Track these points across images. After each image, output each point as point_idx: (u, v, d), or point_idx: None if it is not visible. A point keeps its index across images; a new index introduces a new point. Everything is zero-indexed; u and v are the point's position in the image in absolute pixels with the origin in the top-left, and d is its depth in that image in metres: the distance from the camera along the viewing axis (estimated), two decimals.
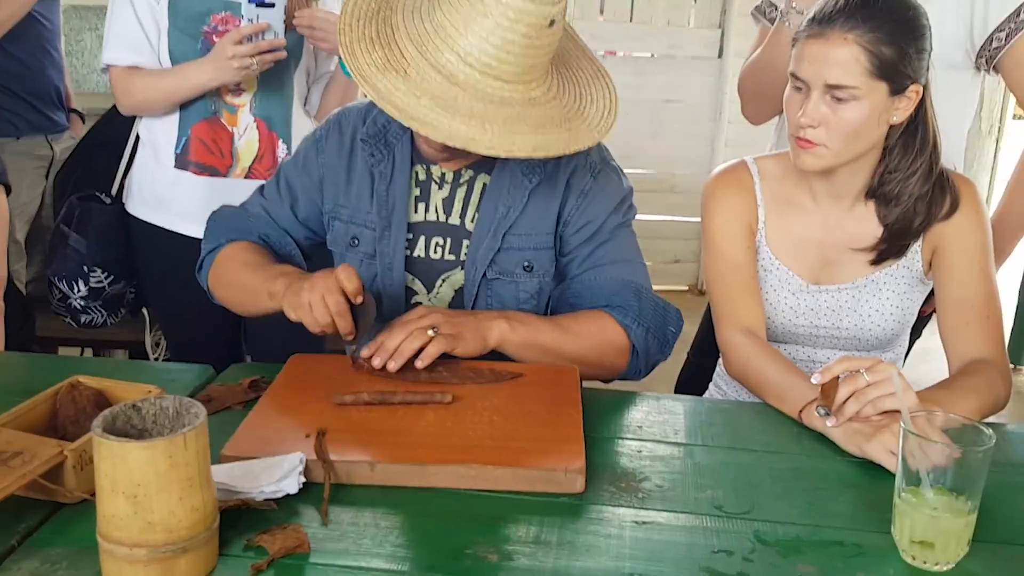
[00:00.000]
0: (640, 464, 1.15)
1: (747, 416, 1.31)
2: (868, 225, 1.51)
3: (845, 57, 1.34)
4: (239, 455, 1.07)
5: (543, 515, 1.02)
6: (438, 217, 1.47)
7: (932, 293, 1.56)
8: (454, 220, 1.47)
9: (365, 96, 1.39)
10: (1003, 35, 1.75)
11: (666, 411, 1.30)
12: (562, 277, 1.49)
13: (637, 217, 1.52)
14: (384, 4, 1.28)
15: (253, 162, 1.93)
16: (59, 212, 2.08)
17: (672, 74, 4.52)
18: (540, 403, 1.22)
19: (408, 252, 1.47)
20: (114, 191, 2.04)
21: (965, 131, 1.95)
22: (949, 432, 0.99)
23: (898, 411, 1.17)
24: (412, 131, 1.40)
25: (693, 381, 1.93)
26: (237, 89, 1.90)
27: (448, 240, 1.47)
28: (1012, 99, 4.53)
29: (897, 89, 1.38)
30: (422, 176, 1.47)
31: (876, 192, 1.48)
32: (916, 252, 1.51)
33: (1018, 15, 1.74)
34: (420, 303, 1.48)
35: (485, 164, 1.44)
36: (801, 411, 1.27)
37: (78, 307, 2.05)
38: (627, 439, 1.22)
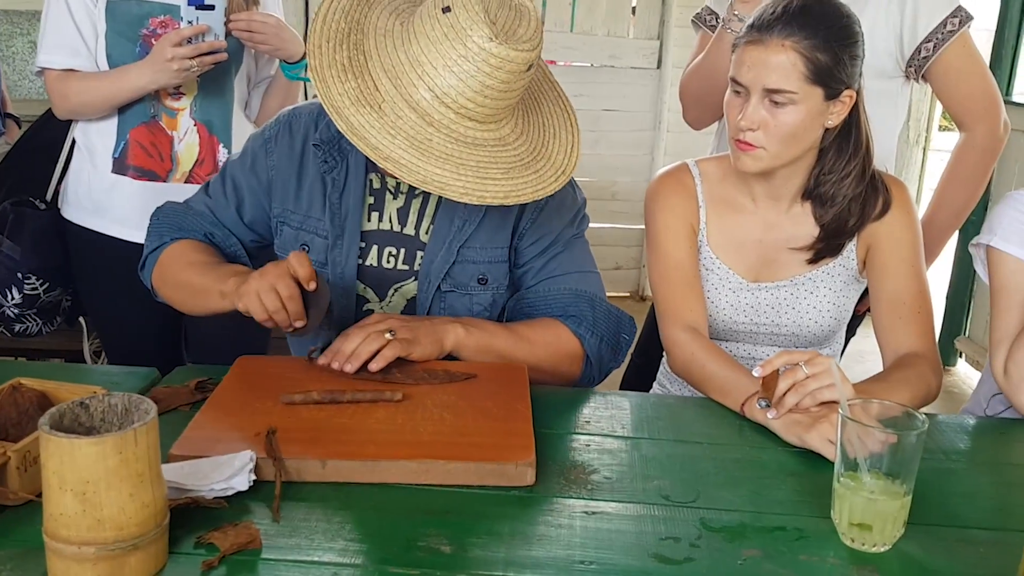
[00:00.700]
0: (589, 457, 1.17)
1: (691, 410, 1.34)
2: (805, 225, 1.55)
3: (783, 62, 1.39)
4: (188, 454, 1.06)
5: (495, 507, 1.03)
6: (392, 227, 1.46)
7: (867, 292, 1.61)
8: (409, 231, 1.46)
9: (311, 98, 1.39)
10: (931, 45, 1.83)
11: (613, 407, 1.33)
12: (516, 288, 1.50)
13: None
14: (355, 26, 1.26)
15: (193, 166, 1.91)
16: None
17: (612, 84, 4.58)
18: (490, 400, 1.23)
19: (360, 261, 1.46)
20: (49, 196, 2.00)
21: (896, 136, 2.02)
22: (884, 419, 1.03)
23: (836, 402, 1.21)
24: None
25: (637, 381, 1.96)
26: (177, 92, 1.88)
27: (402, 251, 1.47)
28: (939, 110, 4.70)
29: (832, 94, 1.42)
30: (376, 184, 1.47)
31: (812, 193, 1.53)
32: (851, 251, 1.56)
33: (944, 26, 1.81)
34: (372, 311, 1.48)
35: None
36: (743, 404, 1.30)
37: (11, 315, 2.00)
38: (576, 434, 1.23)
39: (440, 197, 1.45)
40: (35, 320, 2.01)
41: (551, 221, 1.47)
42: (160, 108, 1.88)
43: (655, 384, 1.83)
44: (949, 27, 1.81)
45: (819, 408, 1.22)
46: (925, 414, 1.33)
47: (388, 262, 1.47)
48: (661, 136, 4.63)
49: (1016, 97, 3.84)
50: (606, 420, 1.28)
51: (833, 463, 1.11)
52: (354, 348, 1.28)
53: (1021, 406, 1.38)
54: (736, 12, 1.82)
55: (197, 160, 1.91)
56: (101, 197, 1.91)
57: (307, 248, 1.47)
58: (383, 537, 0.97)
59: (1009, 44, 3.70)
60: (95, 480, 0.83)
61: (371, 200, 1.47)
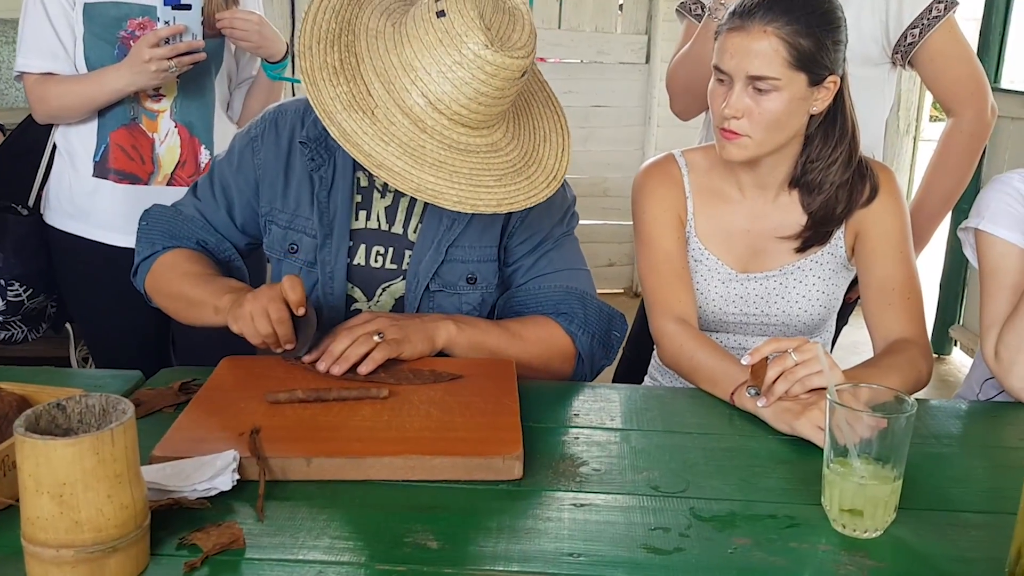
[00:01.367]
0: (577, 450, 1.15)
1: (680, 401, 1.33)
2: (792, 214, 1.54)
3: (765, 49, 1.37)
4: (170, 455, 1.04)
5: (482, 502, 1.02)
6: (380, 226, 1.45)
7: (856, 280, 1.60)
8: (396, 229, 1.45)
9: (294, 95, 1.37)
10: (916, 31, 1.82)
11: (602, 399, 1.31)
12: (506, 286, 1.49)
13: None
14: (346, 27, 1.25)
15: (175, 168, 1.90)
16: None
17: (600, 80, 4.57)
18: (477, 395, 1.22)
19: (348, 260, 1.45)
20: (31, 202, 1.98)
21: (883, 123, 2.02)
22: (873, 404, 1.02)
23: (825, 388, 1.20)
24: None
25: (629, 375, 1.95)
26: (156, 94, 1.86)
27: (390, 250, 1.45)
28: (928, 100, 4.70)
29: (816, 80, 1.41)
30: (364, 183, 1.45)
31: (799, 181, 1.52)
32: (839, 238, 1.55)
33: (930, 12, 1.81)
34: (360, 310, 1.46)
35: None
36: (733, 393, 1.29)
37: None
38: (565, 427, 1.22)
39: None
40: (20, 327, 1.99)
41: (541, 219, 1.46)
42: (140, 110, 1.86)
43: (646, 377, 1.81)
44: (935, 12, 1.81)
45: (808, 395, 1.21)
46: (915, 399, 1.33)
47: (376, 261, 1.46)
48: (651, 131, 4.62)
49: (1003, 84, 3.84)
50: (595, 412, 1.27)
51: (823, 450, 1.10)
52: (343, 350, 1.27)
53: (1013, 389, 1.37)
54: (723, 1, 1.81)
55: (179, 162, 1.89)
56: (83, 201, 1.89)
57: (295, 248, 1.45)
58: (369, 534, 0.95)
59: (996, 31, 3.70)
60: (72, 482, 0.81)
61: (359, 198, 1.45)
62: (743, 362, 1.23)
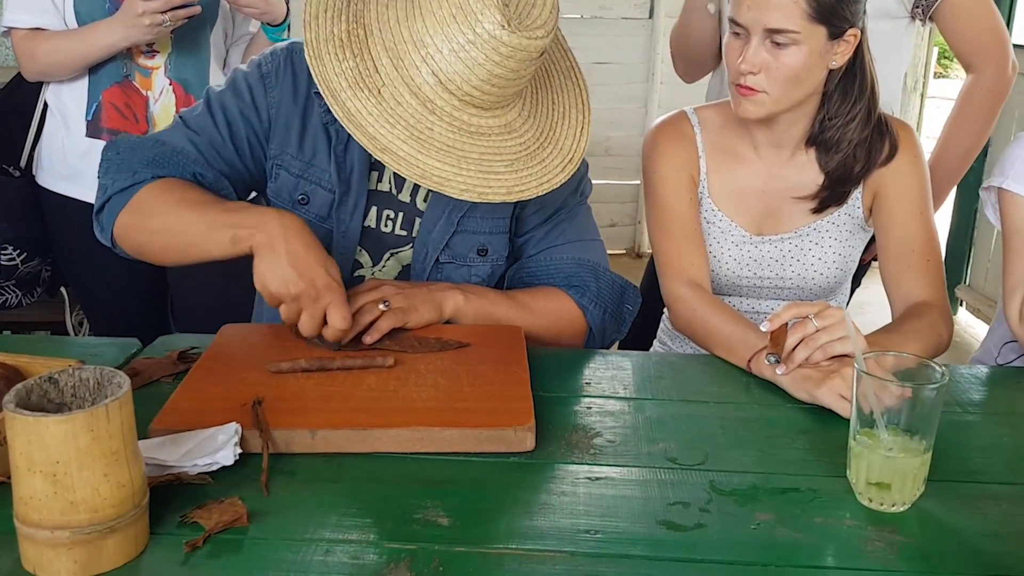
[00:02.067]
0: (590, 420, 1.12)
1: (696, 368, 1.29)
2: (809, 173, 1.49)
3: (784, 1, 1.31)
4: (170, 428, 1.00)
5: (494, 475, 0.98)
6: (391, 189, 1.38)
7: (872, 241, 1.56)
8: (404, 197, 1.38)
9: None
10: None
11: (614, 367, 1.27)
12: (516, 258, 1.44)
13: None
14: None
15: None
16: None
17: (602, 36, 4.47)
18: (485, 363, 1.18)
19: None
20: (23, 163, 1.93)
21: (901, 79, 1.97)
22: (901, 372, 0.98)
23: (847, 356, 1.16)
24: None
25: (636, 339, 1.91)
26: (150, 50, 1.80)
27: (400, 215, 1.39)
28: (934, 56, 4.61)
29: (836, 33, 1.36)
30: None
31: (816, 139, 1.47)
32: (857, 198, 1.50)
33: None
34: (364, 276, 1.41)
35: None
36: (750, 360, 1.25)
37: None
38: (576, 396, 1.18)
39: None
40: (14, 292, 1.95)
41: (556, 188, 1.40)
42: (133, 67, 1.80)
43: (655, 342, 1.78)
44: None
45: (830, 362, 1.17)
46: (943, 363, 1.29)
47: (386, 225, 1.40)
48: (654, 88, 4.54)
49: (1015, 39, 3.75)
50: (607, 381, 1.23)
51: (846, 419, 1.06)
52: None
53: None
54: None
55: None
56: (76, 162, 1.84)
57: (306, 199, 1.35)
58: (377, 510, 0.92)
59: None
60: (66, 460, 0.77)
61: (372, 159, 1.39)
62: (762, 328, 1.19)
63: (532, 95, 1.26)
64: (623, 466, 1.01)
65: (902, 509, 0.94)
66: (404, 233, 1.40)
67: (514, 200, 1.18)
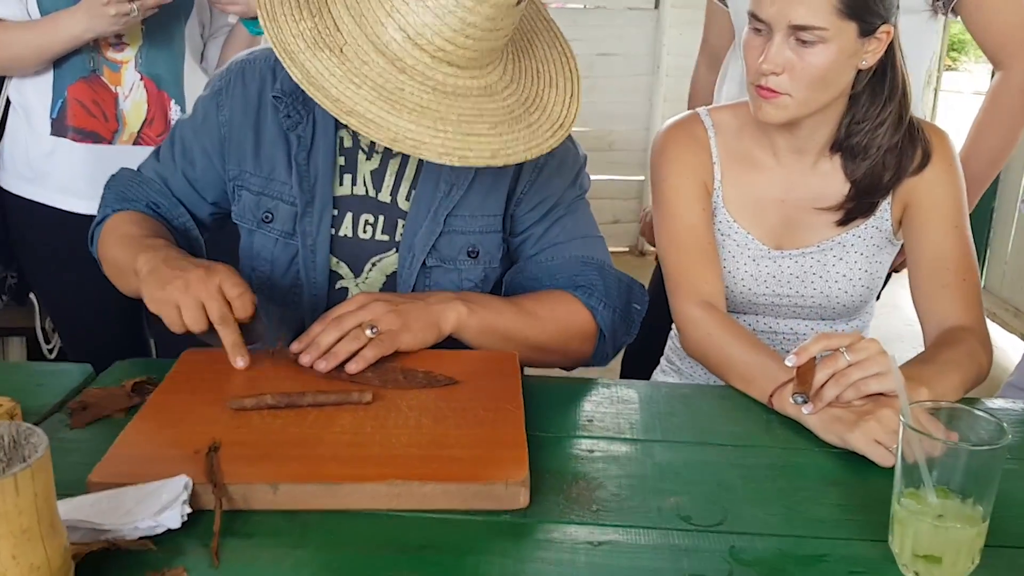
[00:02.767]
0: (592, 467, 0.99)
1: (710, 403, 1.16)
2: (834, 182, 1.36)
3: None
4: (111, 481, 0.88)
5: (481, 539, 0.86)
6: (367, 191, 1.27)
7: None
8: (384, 197, 1.27)
9: None
10: None
11: (619, 400, 1.14)
12: (512, 260, 1.32)
13: None
14: None
15: (142, 126, 1.71)
16: None
17: (607, 26, 4.34)
18: (475, 398, 1.05)
19: (333, 231, 1.27)
20: None
21: (923, 77, 1.84)
22: (954, 423, 0.85)
23: (883, 395, 1.04)
24: None
25: (640, 354, 1.78)
26: (119, 43, 1.66)
27: (380, 218, 1.28)
28: (946, 49, 4.47)
29: (867, 30, 1.23)
30: (347, 143, 1.27)
31: (842, 145, 1.34)
32: (885, 210, 1.37)
33: None
34: (347, 289, 1.29)
35: None
36: (772, 395, 1.12)
37: None
38: (576, 436, 1.06)
39: (420, 160, 1.26)
40: None
41: (552, 182, 1.28)
42: (101, 61, 1.67)
43: (662, 359, 1.65)
44: None
45: (863, 401, 1.04)
46: (1000, 407, 1.16)
47: (365, 231, 1.28)
48: (660, 81, 4.41)
49: None
50: (611, 418, 1.10)
51: (881, 467, 0.94)
52: (331, 343, 1.10)
53: None
54: None
55: (146, 120, 1.70)
56: (40, 163, 1.71)
57: (270, 217, 1.28)
58: None
59: None
60: None
61: (342, 161, 1.27)
62: (787, 363, 1.06)
63: (514, 62, 1.14)
64: (630, 527, 0.88)
65: None
66: (386, 238, 1.28)
67: (500, 164, 1.06)
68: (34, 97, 1.69)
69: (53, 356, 2.08)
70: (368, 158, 1.28)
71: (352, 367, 1.09)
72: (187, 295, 1.06)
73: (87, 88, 1.67)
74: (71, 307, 1.83)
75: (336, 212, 1.27)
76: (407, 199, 1.27)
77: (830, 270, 1.39)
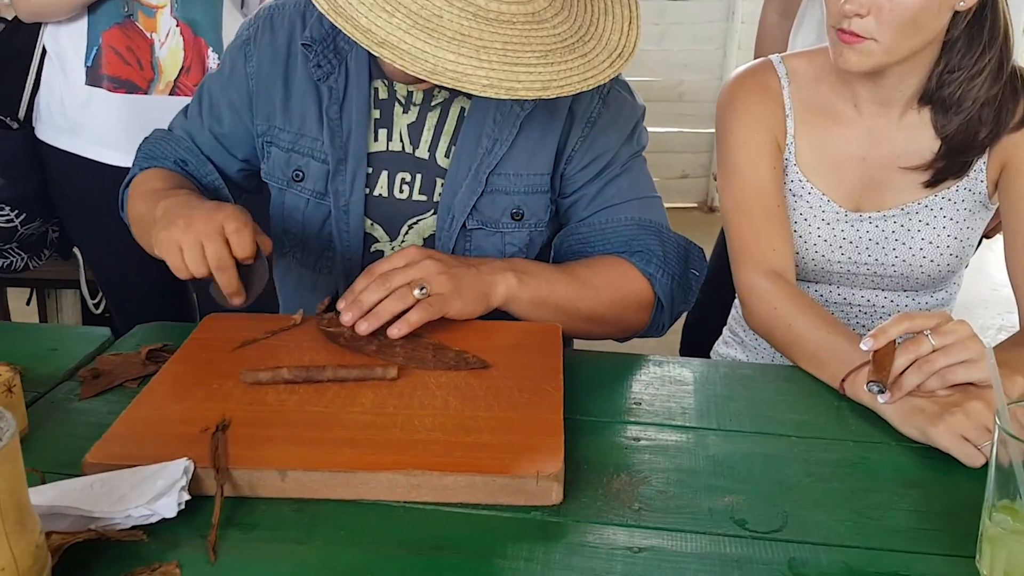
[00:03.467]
0: (638, 458, 0.89)
1: (774, 385, 1.04)
2: (922, 138, 1.22)
3: None
4: (108, 463, 0.81)
5: (507, 541, 0.76)
6: (403, 147, 1.18)
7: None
8: (421, 153, 1.18)
9: None
10: None
11: (671, 381, 1.04)
12: (562, 223, 1.22)
13: None
14: None
15: (179, 75, 1.64)
16: None
17: None
18: (509, 376, 0.96)
19: (367, 190, 1.19)
20: (21, 114, 1.74)
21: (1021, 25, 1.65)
22: None
23: (972, 384, 0.91)
24: None
25: (701, 324, 1.67)
26: None
27: (417, 176, 1.19)
28: None
29: None
30: (383, 94, 1.18)
31: (933, 97, 1.20)
32: (980, 171, 1.23)
33: None
34: (382, 252, 1.21)
35: None
36: (844, 380, 1.00)
37: None
38: (621, 422, 0.95)
39: (462, 112, 1.16)
40: (18, 255, 1.79)
41: (606, 137, 1.17)
42: (136, 6, 1.60)
43: (725, 330, 1.53)
44: None
45: (949, 392, 0.92)
46: None
47: (402, 192, 1.19)
48: (735, 28, 4.22)
49: None
50: (661, 401, 0.99)
51: (969, 467, 0.83)
52: (374, 302, 1.01)
53: None
54: None
55: (183, 68, 1.63)
56: (75, 113, 1.66)
57: (300, 175, 1.20)
58: None
59: None
60: None
61: (377, 114, 1.18)
62: (862, 347, 0.93)
63: None
64: (675, 530, 0.78)
65: None
66: (424, 198, 1.19)
67: (552, 96, 0.95)
68: (68, 44, 1.63)
69: (100, 311, 2.05)
70: (405, 111, 1.18)
71: (394, 331, 1.00)
72: (189, 234, 0.99)
73: (121, 34, 1.61)
74: (112, 261, 1.79)
75: (371, 170, 1.19)
76: (446, 155, 1.18)
77: (914, 236, 1.26)
